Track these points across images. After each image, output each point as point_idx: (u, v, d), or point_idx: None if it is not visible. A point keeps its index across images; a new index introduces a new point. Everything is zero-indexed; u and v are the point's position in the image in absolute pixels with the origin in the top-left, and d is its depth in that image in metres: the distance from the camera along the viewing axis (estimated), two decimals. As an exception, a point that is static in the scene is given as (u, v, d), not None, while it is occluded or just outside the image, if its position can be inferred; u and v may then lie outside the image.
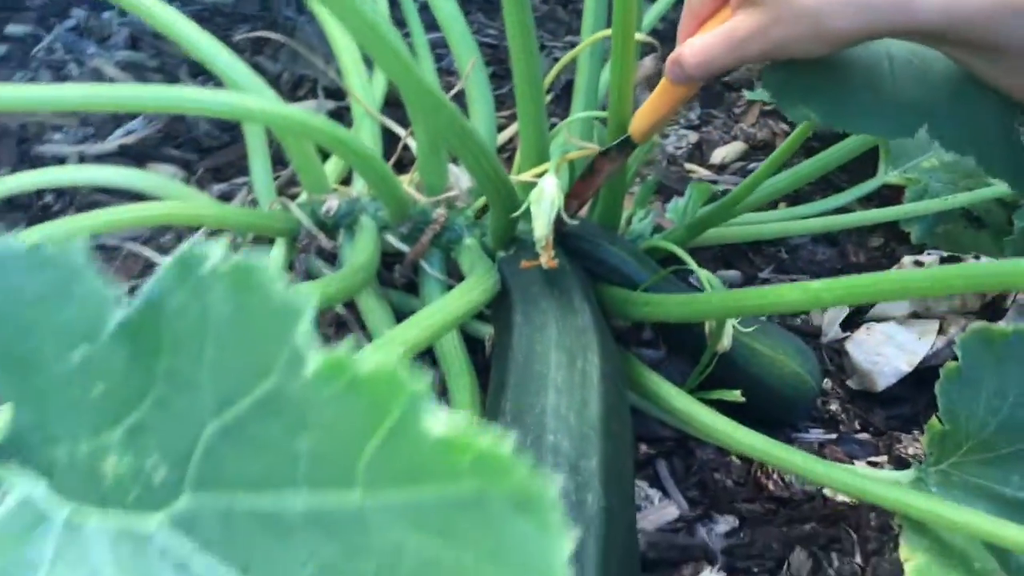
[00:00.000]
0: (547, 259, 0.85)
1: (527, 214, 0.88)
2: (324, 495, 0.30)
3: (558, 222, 0.86)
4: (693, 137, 1.30)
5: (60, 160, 1.19)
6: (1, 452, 0.38)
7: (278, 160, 1.13)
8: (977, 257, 1.07)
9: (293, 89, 1.31)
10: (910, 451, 0.96)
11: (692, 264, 0.88)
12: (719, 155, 1.27)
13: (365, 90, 1.08)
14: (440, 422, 0.28)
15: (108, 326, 0.33)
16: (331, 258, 1.04)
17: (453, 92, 0.94)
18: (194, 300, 0.32)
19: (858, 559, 0.86)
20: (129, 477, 0.34)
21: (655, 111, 0.76)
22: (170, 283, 0.33)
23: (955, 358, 0.79)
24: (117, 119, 1.22)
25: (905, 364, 0.99)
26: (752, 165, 1.28)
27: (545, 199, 0.85)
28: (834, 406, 1.00)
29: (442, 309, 0.80)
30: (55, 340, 0.35)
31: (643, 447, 0.93)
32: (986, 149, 0.67)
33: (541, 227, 0.85)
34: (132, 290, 0.33)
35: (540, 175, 0.89)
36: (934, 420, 0.79)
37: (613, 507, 0.72)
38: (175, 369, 0.32)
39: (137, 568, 0.33)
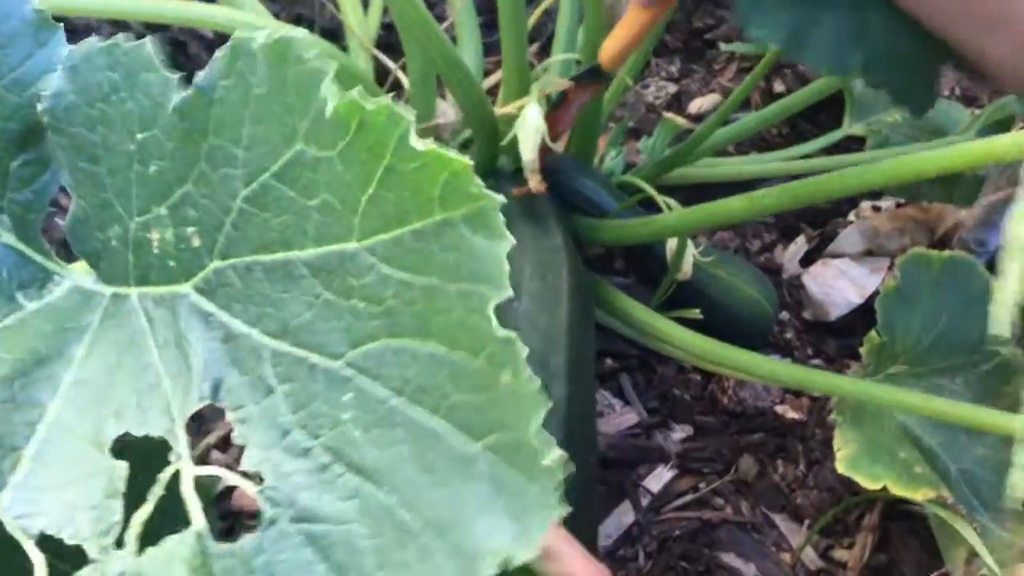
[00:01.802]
0: (535, 183, 0.92)
1: (510, 146, 0.95)
2: (328, 247, 0.38)
3: (543, 148, 0.93)
4: (672, 88, 1.36)
5: None
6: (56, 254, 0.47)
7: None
8: (930, 202, 1.14)
9: (292, 32, 1.37)
10: (859, 372, 1.04)
11: (652, 192, 0.94)
12: (696, 105, 1.34)
13: (360, 27, 1.14)
14: (422, 143, 0.36)
15: (167, 111, 0.41)
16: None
17: (444, 26, 1.00)
18: (239, 82, 0.39)
19: (801, 467, 0.93)
20: (171, 247, 0.41)
21: (623, 38, 0.83)
22: (221, 69, 0.40)
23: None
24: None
25: (856, 296, 1.06)
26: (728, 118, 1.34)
27: (530, 126, 0.92)
28: (790, 334, 1.07)
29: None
30: (121, 127, 0.43)
31: (608, 361, 1.00)
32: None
33: (528, 151, 0.91)
34: (189, 79, 0.41)
35: (521, 108, 0.96)
36: (873, 333, 0.86)
37: (575, 397, 0.80)
38: (217, 147, 0.40)
39: (170, 324, 0.42)
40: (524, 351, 0.38)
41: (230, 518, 0.85)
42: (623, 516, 0.87)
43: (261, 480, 0.42)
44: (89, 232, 0.46)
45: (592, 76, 0.88)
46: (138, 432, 0.44)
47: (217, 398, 0.43)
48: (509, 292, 0.38)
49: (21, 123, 0.50)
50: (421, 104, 1.04)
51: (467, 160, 0.36)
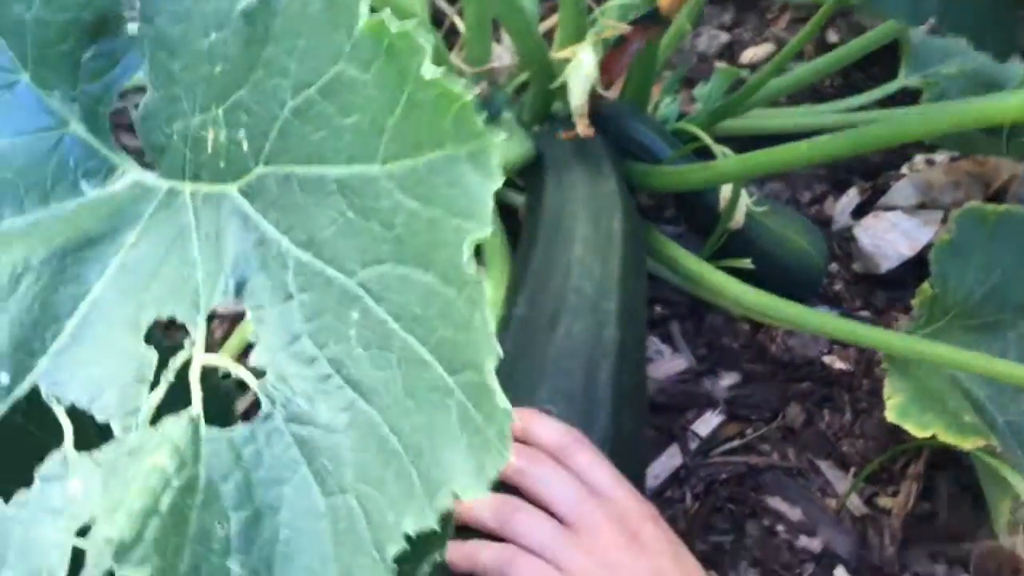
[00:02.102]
0: (583, 128, 0.93)
1: (564, 90, 0.96)
2: (356, 167, 0.40)
3: (593, 94, 0.93)
4: (724, 37, 1.35)
5: None
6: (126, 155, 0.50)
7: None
8: (985, 156, 1.13)
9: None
10: (911, 324, 1.04)
11: (708, 141, 0.95)
12: (748, 55, 1.33)
13: (416, -31, 1.14)
14: (433, 72, 0.38)
15: (235, 14, 0.43)
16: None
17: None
18: None
19: (848, 416, 0.94)
20: (223, 147, 0.44)
21: None
22: None
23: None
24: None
25: (908, 249, 1.06)
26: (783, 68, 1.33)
27: (582, 71, 0.92)
28: (839, 286, 1.08)
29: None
30: (200, 24, 0.45)
31: (658, 308, 1.01)
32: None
33: (578, 96, 0.92)
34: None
35: (577, 52, 0.96)
36: (925, 285, 0.87)
37: (626, 342, 0.81)
38: (274, 56, 0.42)
39: (213, 221, 0.45)
40: (488, 295, 0.39)
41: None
42: (671, 459, 0.89)
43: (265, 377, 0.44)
44: (157, 125, 0.49)
45: (651, 20, 0.88)
46: (166, 317, 0.47)
47: (240, 295, 0.46)
48: (490, 231, 0.39)
49: (94, 13, 0.53)
50: (477, 48, 1.05)
51: (471, 96, 0.37)
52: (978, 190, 1.10)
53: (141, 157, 0.54)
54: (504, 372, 0.78)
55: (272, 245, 0.44)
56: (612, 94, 1.09)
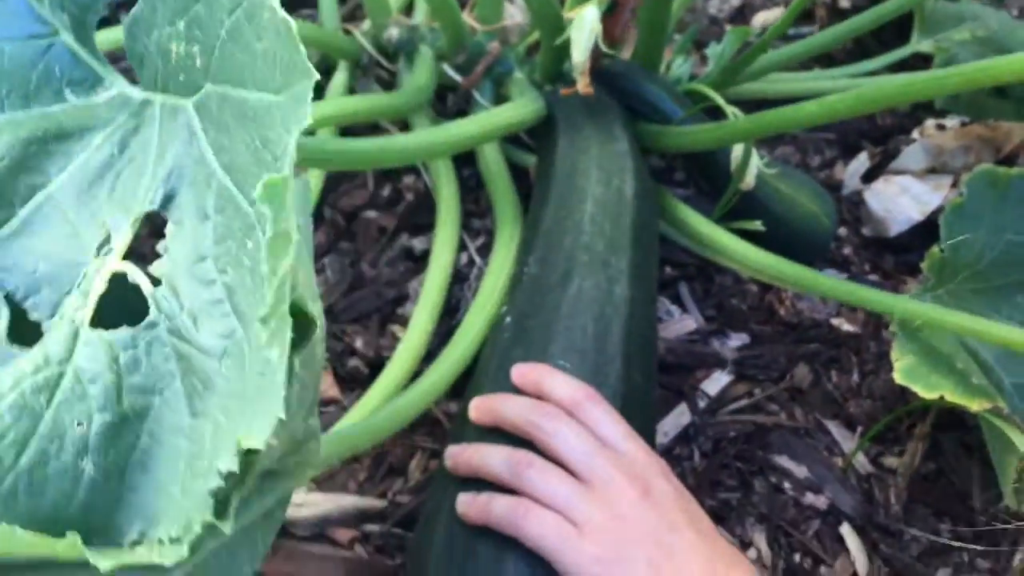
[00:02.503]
0: (584, 85, 0.93)
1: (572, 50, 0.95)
2: (263, 95, 0.42)
3: (596, 52, 0.93)
4: (736, 1, 1.35)
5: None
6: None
7: (342, -5, 1.20)
8: (997, 120, 1.13)
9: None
10: (920, 287, 1.04)
11: (720, 100, 0.94)
12: (760, 19, 1.32)
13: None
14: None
15: None
16: (389, 87, 1.11)
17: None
18: None
19: (855, 377, 0.95)
20: (183, 60, 0.45)
21: None
22: None
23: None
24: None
25: (917, 213, 1.06)
26: (792, 31, 1.33)
27: (585, 26, 0.92)
28: (847, 250, 1.08)
29: (492, 116, 0.88)
30: None
31: (668, 269, 1.02)
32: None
33: (579, 52, 0.92)
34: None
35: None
36: (935, 248, 0.87)
37: (637, 300, 0.81)
38: None
39: (171, 132, 0.47)
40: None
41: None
42: (680, 417, 0.90)
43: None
44: (139, 34, 0.50)
45: None
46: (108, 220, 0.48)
47: (165, 208, 0.47)
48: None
49: None
50: (489, 5, 1.05)
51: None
52: (989, 155, 1.10)
53: (131, 74, 0.55)
54: (517, 328, 0.79)
55: (206, 164, 0.45)
56: (624, 55, 1.09)
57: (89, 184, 0.50)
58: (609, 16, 0.94)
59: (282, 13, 0.40)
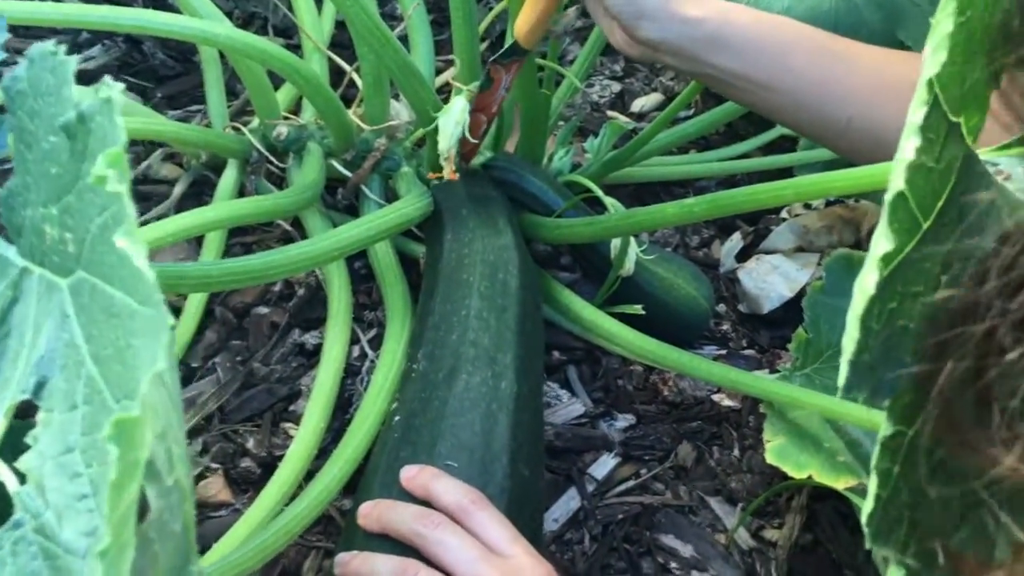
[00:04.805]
0: (449, 171, 0.96)
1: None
2: (127, 298, 0.42)
3: (464, 140, 0.97)
4: (616, 87, 1.41)
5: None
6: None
7: (231, 91, 1.22)
8: (857, 201, 1.21)
9: (244, 26, 1.39)
10: (788, 366, 1.10)
11: (598, 192, 0.99)
12: (639, 104, 1.39)
13: (315, 27, 1.17)
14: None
15: (59, 125, 0.45)
16: (279, 182, 1.13)
17: (397, 31, 1.03)
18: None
19: (736, 452, 1.00)
20: (56, 243, 0.46)
21: (532, 13, 0.88)
22: (94, 104, 0.45)
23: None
24: (77, 46, 1.29)
25: (788, 290, 1.13)
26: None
27: (452, 117, 0.96)
28: (726, 326, 1.14)
29: (380, 217, 0.91)
30: (46, 125, 0.48)
31: (556, 354, 1.05)
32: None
33: (445, 140, 0.96)
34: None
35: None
36: (800, 330, 0.93)
37: (523, 394, 0.84)
38: (89, 172, 0.44)
39: (48, 305, 0.47)
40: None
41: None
42: (570, 502, 0.93)
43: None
44: (16, 206, 0.50)
45: (511, 54, 0.93)
46: None
47: (38, 396, 0.46)
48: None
49: None
50: (375, 105, 1.08)
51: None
52: (850, 233, 1.17)
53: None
54: (406, 427, 0.81)
55: (78, 352, 0.45)
56: (508, 148, 1.14)
57: None
58: (482, 95, 0.97)
59: (139, 262, 0.40)
